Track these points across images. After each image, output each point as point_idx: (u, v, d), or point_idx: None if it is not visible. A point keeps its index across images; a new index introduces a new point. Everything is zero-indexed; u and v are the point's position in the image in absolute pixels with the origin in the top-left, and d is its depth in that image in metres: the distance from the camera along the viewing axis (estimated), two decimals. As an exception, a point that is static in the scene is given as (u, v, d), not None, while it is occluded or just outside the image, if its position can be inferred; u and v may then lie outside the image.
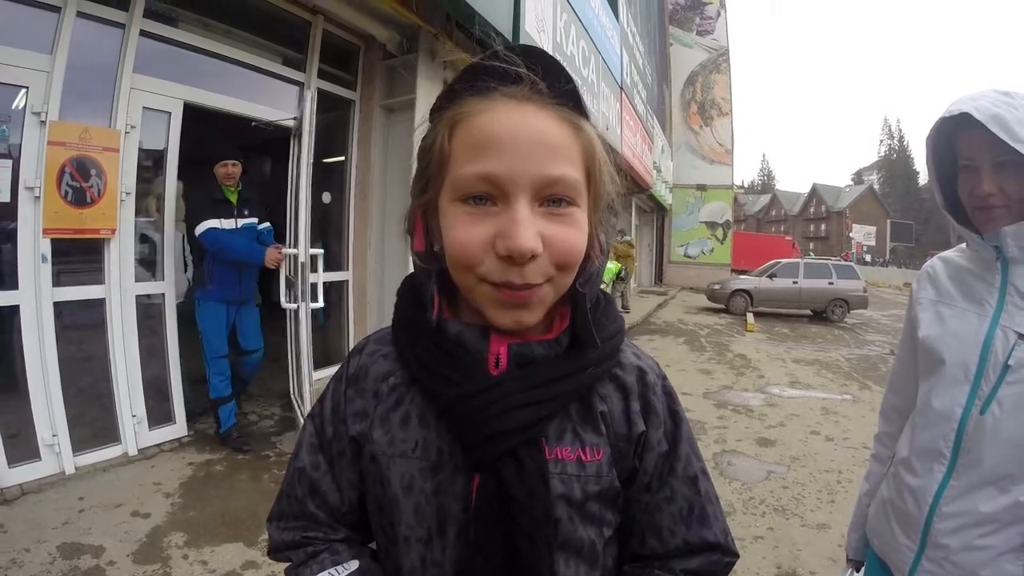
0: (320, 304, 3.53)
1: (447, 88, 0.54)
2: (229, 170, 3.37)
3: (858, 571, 1.22)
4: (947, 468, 0.93)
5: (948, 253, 1.08)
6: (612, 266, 9.89)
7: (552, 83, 0.51)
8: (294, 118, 3.59)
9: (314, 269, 3.44)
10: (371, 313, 4.68)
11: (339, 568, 0.60)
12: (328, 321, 4.77)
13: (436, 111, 0.55)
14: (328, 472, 0.63)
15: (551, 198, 0.50)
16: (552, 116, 0.51)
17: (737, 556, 0.64)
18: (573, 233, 0.51)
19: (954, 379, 0.93)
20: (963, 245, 1.04)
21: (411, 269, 0.64)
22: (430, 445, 0.56)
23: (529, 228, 0.48)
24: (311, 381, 3.43)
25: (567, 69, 0.53)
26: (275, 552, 0.65)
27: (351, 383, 0.63)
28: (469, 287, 0.53)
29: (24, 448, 2.75)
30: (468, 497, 0.54)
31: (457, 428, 0.54)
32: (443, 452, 0.56)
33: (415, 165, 0.58)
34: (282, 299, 3.41)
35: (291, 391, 3.59)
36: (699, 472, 0.63)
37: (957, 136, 0.94)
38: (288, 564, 0.63)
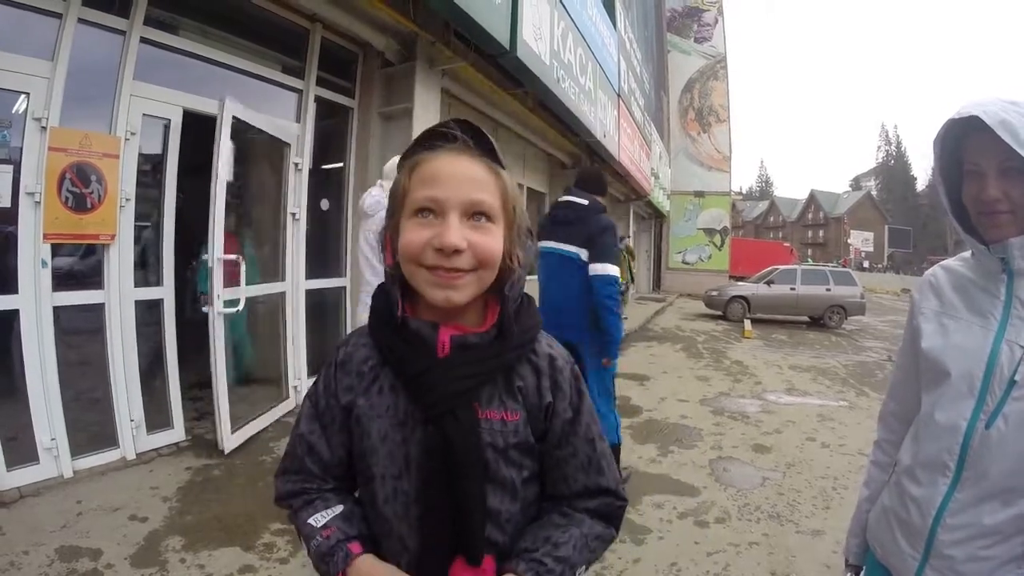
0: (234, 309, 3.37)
1: (409, 147, 0.77)
2: None
3: None
4: (951, 481, 0.93)
5: (950, 262, 1.06)
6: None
7: (478, 143, 0.75)
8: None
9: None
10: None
11: (327, 511, 0.79)
12: (327, 321, 4.78)
13: (401, 161, 0.77)
14: (322, 436, 0.82)
15: (475, 213, 0.71)
16: (479, 164, 0.74)
17: (626, 502, 0.85)
18: (489, 239, 0.72)
19: (959, 393, 0.93)
20: (966, 253, 1.02)
21: None
22: (399, 407, 0.76)
23: (456, 232, 0.69)
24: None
25: (489, 135, 0.76)
26: (279, 500, 0.85)
27: (340, 367, 0.82)
28: (413, 275, 0.72)
29: (23, 451, 2.76)
30: (425, 443, 0.74)
31: (416, 394, 0.74)
32: (408, 412, 0.76)
33: (389, 203, 0.79)
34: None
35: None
36: (596, 436, 0.83)
37: (964, 141, 0.94)
38: (289, 510, 0.83)
